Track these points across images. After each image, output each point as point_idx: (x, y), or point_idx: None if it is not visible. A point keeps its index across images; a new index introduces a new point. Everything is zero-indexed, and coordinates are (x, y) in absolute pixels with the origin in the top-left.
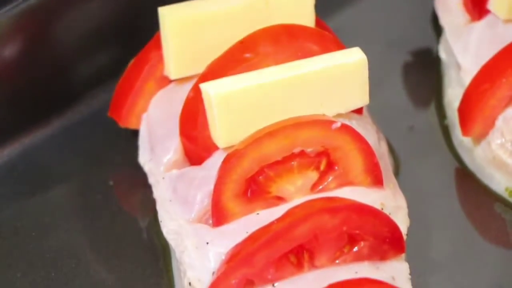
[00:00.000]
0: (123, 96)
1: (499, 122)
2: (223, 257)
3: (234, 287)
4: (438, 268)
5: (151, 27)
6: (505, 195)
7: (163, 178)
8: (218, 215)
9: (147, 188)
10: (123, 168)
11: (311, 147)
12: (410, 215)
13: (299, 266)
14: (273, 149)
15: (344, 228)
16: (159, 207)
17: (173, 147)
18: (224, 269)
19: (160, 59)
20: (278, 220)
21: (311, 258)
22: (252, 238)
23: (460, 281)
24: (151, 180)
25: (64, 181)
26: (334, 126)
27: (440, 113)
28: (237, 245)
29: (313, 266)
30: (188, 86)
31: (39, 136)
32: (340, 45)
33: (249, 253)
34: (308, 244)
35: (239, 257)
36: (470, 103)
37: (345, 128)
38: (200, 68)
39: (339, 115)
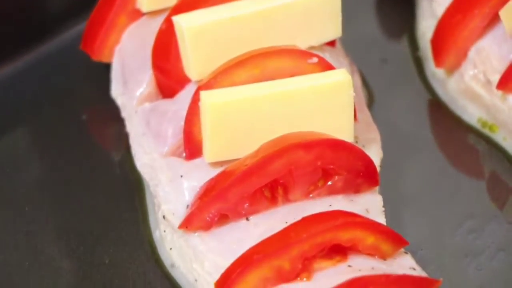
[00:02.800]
0: (95, 30)
1: (471, 53)
2: (197, 190)
3: (208, 222)
4: (411, 199)
5: None
6: (478, 126)
7: (136, 111)
8: (190, 148)
9: (120, 122)
10: (96, 102)
11: (282, 76)
12: (384, 147)
13: (273, 201)
14: (244, 79)
15: (318, 163)
16: (132, 141)
17: (145, 80)
18: (198, 204)
19: None
20: (252, 155)
21: (285, 192)
22: (226, 173)
23: (433, 212)
24: (124, 114)
25: (36, 115)
26: (310, 61)
27: (413, 44)
28: (211, 180)
29: (287, 200)
30: (161, 18)
31: (10, 70)
32: None
33: (223, 188)
34: (282, 179)
35: (213, 192)
36: (443, 34)
37: (320, 62)
38: (173, 1)
39: (312, 48)
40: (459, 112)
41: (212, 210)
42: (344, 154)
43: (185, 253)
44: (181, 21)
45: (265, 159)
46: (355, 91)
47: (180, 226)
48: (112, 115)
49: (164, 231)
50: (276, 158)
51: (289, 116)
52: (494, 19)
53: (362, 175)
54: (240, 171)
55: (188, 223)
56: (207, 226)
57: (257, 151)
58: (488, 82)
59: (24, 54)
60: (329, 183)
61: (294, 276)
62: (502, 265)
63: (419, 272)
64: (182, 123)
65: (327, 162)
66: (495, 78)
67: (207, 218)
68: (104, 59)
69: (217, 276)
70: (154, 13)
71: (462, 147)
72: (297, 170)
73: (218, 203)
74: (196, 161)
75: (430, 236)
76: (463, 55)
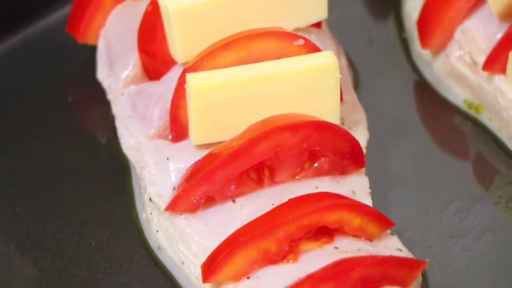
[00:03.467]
0: (81, 12)
1: (457, 34)
2: (184, 172)
3: (194, 204)
4: (397, 181)
5: None
6: (464, 107)
7: (122, 94)
8: (176, 130)
9: (106, 104)
10: (81, 84)
11: (267, 58)
12: (370, 128)
13: (259, 182)
14: (229, 61)
15: (305, 145)
16: (118, 124)
17: (131, 62)
18: (184, 186)
19: None
20: (238, 137)
21: (272, 174)
22: (213, 155)
23: (419, 194)
24: (110, 96)
25: (22, 98)
26: (296, 43)
27: (399, 26)
28: (197, 162)
29: (273, 182)
30: (146, 0)
31: None
32: None
33: (210, 171)
34: (269, 161)
35: (199, 174)
36: (429, 15)
37: (306, 44)
38: None
39: (298, 30)
40: (445, 93)
41: (199, 192)
42: (330, 136)
43: (171, 235)
44: (166, 2)
45: (251, 141)
46: (341, 72)
47: (167, 209)
48: (98, 98)
49: (151, 213)
50: (262, 140)
51: (275, 98)
52: (480, 0)
53: (348, 157)
54: (226, 154)
55: (175, 206)
56: (193, 209)
57: (243, 133)
58: (474, 63)
59: (10, 36)
60: (315, 165)
61: (280, 257)
62: (488, 246)
63: (405, 253)
64: (168, 105)
65: (313, 144)
66: (481, 59)
67: (194, 201)
68: (90, 41)
69: (203, 258)
70: None
71: (448, 128)
72: (283, 152)
73: (204, 186)
74: (182, 143)
75: (417, 217)
76: (449, 36)
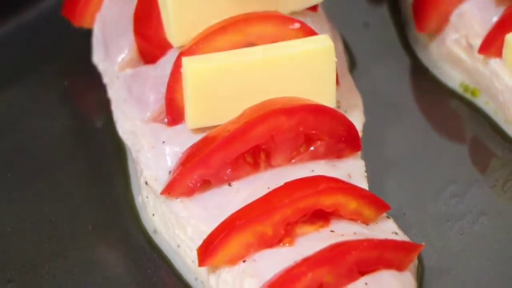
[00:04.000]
0: None
1: (453, 17)
2: (180, 156)
3: (190, 188)
4: (393, 165)
5: None
6: (460, 90)
7: (118, 77)
8: (172, 113)
9: (102, 88)
10: (77, 68)
11: (264, 42)
12: (366, 112)
13: (255, 166)
14: (226, 44)
15: (301, 129)
16: (114, 107)
17: (127, 46)
18: (180, 170)
19: None
20: (234, 121)
21: (268, 158)
22: (208, 139)
23: (415, 178)
24: (106, 79)
25: (18, 81)
26: (292, 26)
27: (395, 9)
28: (193, 146)
29: (269, 165)
30: None
31: None
32: None
33: (206, 154)
34: (265, 144)
35: (195, 158)
36: None
37: (302, 27)
38: None
39: (294, 13)
40: (441, 76)
41: (195, 176)
42: (326, 119)
43: (167, 219)
44: None
45: (247, 124)
46: (337, 56)
47: (162, 192)
48: (93, 82)
49: (147, 197)
50: (258, 124)
51: (271, 82)
52: None
53: (344, 140)
54: (222, 137)
55: (171, 189)
56: (189, 192)
57: (239, 117)
58: (470, 46)
59: (5, 21)
60: (311, 148)
61: (276, 241)
62: (484, 229)
63: (401, 236)
64: (164, 89)
65: (309, 127)
66: (477, 42)
67: (190, 184)
68: (86, 25)
69: (199, 242)
70: None
71: (444, 112)
72: (279, 136)
73: (200, 169)
74: (179, 127)
75: (412, 201)
76: (445, 19)
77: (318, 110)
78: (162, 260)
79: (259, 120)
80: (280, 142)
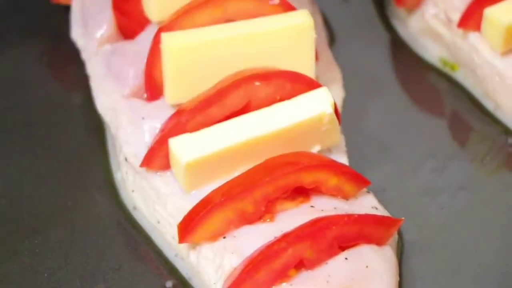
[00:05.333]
0: None
1: None
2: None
3: (169, 160)
4: (373, 139)
5: None
6: (439, 65)
7: (96, 53)
8: (151, 89)
9: (81, 64)
10: (56, 44)
11: (243, 18)
12: (345, 87)
13: None
14: (205, 20)
15: (278, 97)
16: (93, 83)
17: (106, 22)
18: (158, 139)
19: None
20: (210, 89)
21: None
22: (184, 108)
23: (395, 152)
24: (84, 55)
25: None
26: (272, 2)
27: None
28: (170, 116)
29: None
30: None
31: None
32: None
33: (183, 122)
34: (242, 111)
35: (172, 126)
36: None
37: (281, 3)
38: None
39: None
40: (420, 51)
41: None
42: (304, 88)
43: (147, 195)
44: None
45: (223, 90)
46: (316, 31)
47: (142, 164)
48: (72, 57)
49: (126, 173)
50: (234, 90)
51: (250, 57)
52: None
53: None
54: (199, 103)
55: (149, 161)
56: (168, 165)
57: (216, 84)
58: (449, 20)
59: None
60: None
61: (257, 217)
62: (464, 204)
63: (381, 211)
64: (143, 64)
65: (286, 95)
66: (456, 16)
67: (168, 155)
68: (63, 1)
69: (180, 218)
70: None
71: (423, 86)
72: (255, 102)
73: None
74: (158, 102)
75: (392, 175)
76: None
77: (295, 78)
78: (141, 237)
79: (234, 85)
80: (256, 109)
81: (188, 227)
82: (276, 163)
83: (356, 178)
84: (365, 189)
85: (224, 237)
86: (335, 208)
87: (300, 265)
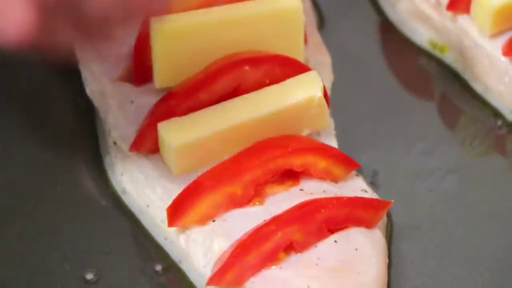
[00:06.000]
0: None
1: None
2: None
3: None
4: (362, 122)
5: None
6: (428, 47)
7: None
8: (140, 73)
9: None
10: None
11: (232, 1)
12: (334, 70)
13: None
14: (194, 4)
15: (267, 81)
16: (81, 67)
17: None
18: (147, 123)
19: None
20: (199, 73)
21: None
22: (174, 91)
23: (384, 135)
24: None
25: None
26: None
27: None
28: (160, 100)
29: None
30: None
31: None
32: None
33: (172, 106)
34: (231, 95)
35: (161, 109)
36: None
37: None
38: None
39: None
40: (409, 33)
41: None
42: (293, 71)
43: (136, 179)
44: None
45: (212, 74)
46: (305, 14)
47: (131, 149)
48: None
49: (115, 157)
50: (223, 74)
51: (239, 41)
52: None
53: None
54: (187, 87)
55: (139, 145)
56: (157, 149)
57: (205, 68)
58: (438, 3)
59: None
60: None
61: (246, 201)
62: (452, 186)
63: (370, 194)
64: (132, 48)
65: (275, 79)
66: None
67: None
68: None
69: (169, 202)
70: None
71: (413, 69)
72: (245, 86)
73: (166, 120)
74: (147, 86)
75: (382, 158)
76: None
77: (285, 62)
78: (131, 221)
79: (224, 70)
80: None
81: (177, 210)
82: (265, 147)
83: (345, 161)
84: (354, 172)
85: (214, 221)
86: (324, 191)
87: (290, 248)
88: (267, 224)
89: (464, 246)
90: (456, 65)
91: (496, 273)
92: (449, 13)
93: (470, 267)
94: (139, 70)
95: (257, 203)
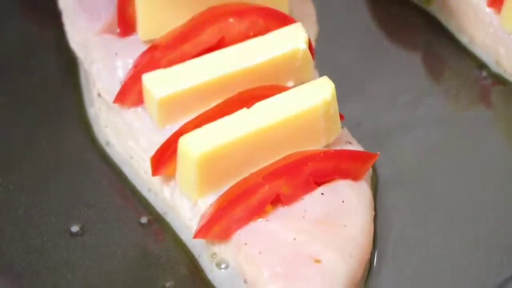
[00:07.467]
0: None
1: None
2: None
3: (142, 95)
4: (346, 74)
5: None
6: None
7: None
8: (124, 25)
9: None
10: None
11: None
12: (319, 22)
13: None
14: None
15: (251, 33)
16: (65, 19)
17: None
18: (131, 74)
19: None
20: (184, 24)
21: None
22: (157, 43)
23: (369, 87)
24: None
25: None
26: None
27: None
28: (143, 52)
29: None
30: None
31: None
32: None
33: (156, 58)
34: (216, 47)
35: (145, 61)
36: None
37: None
38: None
39: None
40: None
41: None
42: (278, 23)
43: (120, 130)
44: None
45: (197, 26)
46: None
47: (115, 100)
48: None
49: (99, 109)
50: (208, 26)
51: None
52: None
53: None
54: (171, 39)
55: (123, 96)
56: (142, 101)
57: (189, 21)
58: None
59: None
60: None
61: None
62: (437, 138)
63: (355, 146)
64: None
65: (260, 31)
66: None
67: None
68: None
69: (152, 153)
70: None
71: (398, 21)
72: (229, 38)
73: (150, 71)
74: (131, 38)
75: (366, 110)
76: None
77: (269, 14)
78: (115, 173)
79: (207, 21)
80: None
81: (160, 159)
82: (248, 96)
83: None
84: None
85: None
86: None
87: (277, 201)
88: (253, 176)
89: (448, 197)
90: (442, 16)
91: (480, 224)
92: None
93: (454, 218)
94: (123, 22)
95: None
